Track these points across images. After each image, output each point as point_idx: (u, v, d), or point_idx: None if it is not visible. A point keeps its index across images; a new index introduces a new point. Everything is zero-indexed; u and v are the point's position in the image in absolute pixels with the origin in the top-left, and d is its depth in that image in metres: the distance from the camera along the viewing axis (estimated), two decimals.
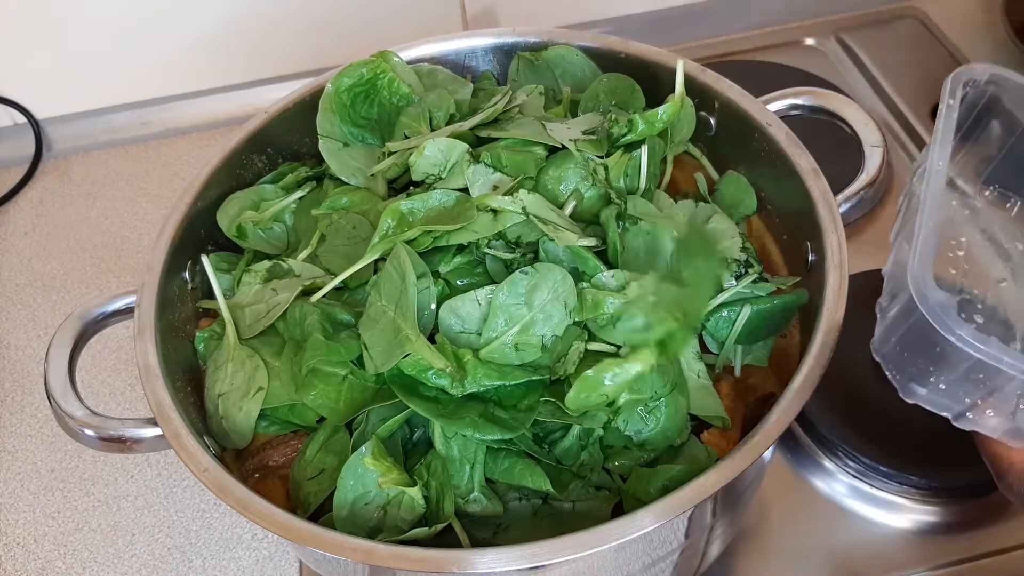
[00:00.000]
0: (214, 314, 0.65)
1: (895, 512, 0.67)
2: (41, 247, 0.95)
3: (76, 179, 1.01)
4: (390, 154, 0.64)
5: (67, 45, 0.98)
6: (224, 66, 1.03)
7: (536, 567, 0.46)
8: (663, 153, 0.65)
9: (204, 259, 0.63)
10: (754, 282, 0.58)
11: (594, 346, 0.54)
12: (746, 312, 0.57)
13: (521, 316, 0.54)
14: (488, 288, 0.56)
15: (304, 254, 0.63)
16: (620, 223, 0.57)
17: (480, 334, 0.55)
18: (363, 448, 0.52)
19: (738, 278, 0.58)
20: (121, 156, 1.03)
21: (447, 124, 0.65)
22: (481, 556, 0.47)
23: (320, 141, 0.67)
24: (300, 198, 0.68)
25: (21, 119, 1.03)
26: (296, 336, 0.58)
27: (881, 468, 0.67)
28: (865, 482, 0.68)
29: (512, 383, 0.53)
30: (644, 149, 0.61)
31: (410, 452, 0.55)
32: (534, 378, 0.53)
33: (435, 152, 0.61)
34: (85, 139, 1.05)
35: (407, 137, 0.65)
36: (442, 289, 0.57)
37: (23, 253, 0.95)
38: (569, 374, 0.53)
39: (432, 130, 0.65)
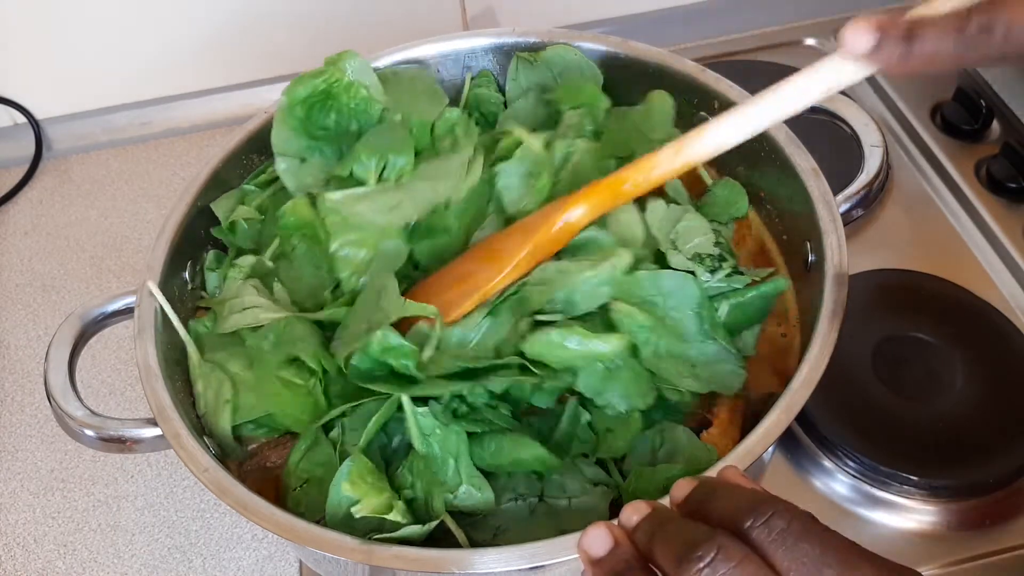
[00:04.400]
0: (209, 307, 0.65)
1: (895, 512, 0.67)
2: (41, 247, 0.95)
3: (76, 179, 1.01)
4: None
5: (67, 45, 0.98)
6: (224, 66, 1.03)
7: (536, 567, 0.46)
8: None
9: (152, 286, 0.62)
10: (728, 275, 0.59)
11: (542, 317, 0.56)
12: (724, 308, 0.58)
13: (474, 336, 0.57)
14: None
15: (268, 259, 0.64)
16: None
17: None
18: (343, 468, 0.52)
19: (712, 272, 0.58)
20: (121, 156, 1.03)
21: (398, 180, 0.63)
22: (481, 556, 0.47)
23: (276, 161, 0.65)
24: (267, 200, 0.68)
25: (21, 119, 1.03)
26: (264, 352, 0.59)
27: (881, 468, 0.67)
28: (865, 482, 0.68)
29: (475, 366, 0.54)
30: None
31: (390, 458, 0.55)
32: (497, 361, 0.54)
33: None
34: (85, 139, 1.04)
35: (353, 174, 0.63)
36: None
37: (23, 253, 0.95)
38: (517, 345, 0.54)
39: (380, 181, 0.63)
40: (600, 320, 0.56)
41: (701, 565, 0.33)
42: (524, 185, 0.63)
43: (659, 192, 0.67)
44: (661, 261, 0.60)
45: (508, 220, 0.63)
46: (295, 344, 0.57)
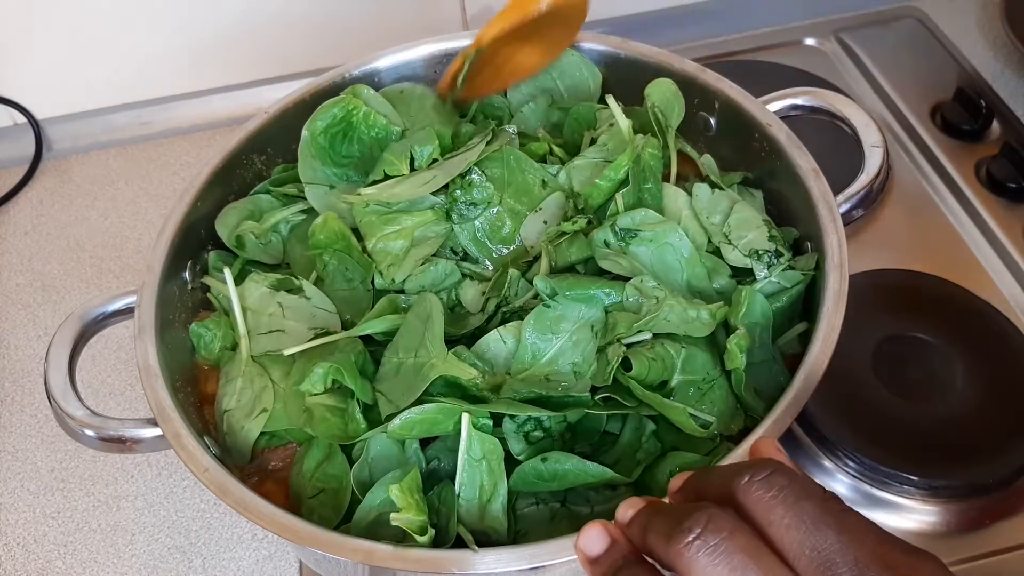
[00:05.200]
0: (212, 307, 0.65)
1: (895, 512, 0.67)
2: (41, 247, 0.95)
3: (76, 179, 1.01)
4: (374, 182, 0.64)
5: (67, 45, 0.98)
6: (224, 66, 1.03)
7: (536, 567, 0.46)
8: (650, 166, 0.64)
9: (227, 272, 0.62)
10: (783, 271, 0.58)
11: (630, 340, 0.54)
12: (783, 301, 0.58)
13: (548, 348, 0.55)
14: (513, 324, 0.56)
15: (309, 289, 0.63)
16: (618, 239, 0.58)
17: (509, 373, 0.55)
18: (392, 474, 0.52)
19: (769, 267, 0.58)
20: (121, 156, 1.03)
21: (429, 166, 0.64)
22: (481, 556, 0.47)
23: (306, 190, 0.66)
24: (293, 226, 0.67)
25: (21, 119, 1.03)
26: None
27: (881, 468, 0.67)
28: (865, 482, 0.68)
29: (551, 394, 0.53)
30: (619, 197, 0.61)
31: (429, 482, 0.54)
32: (572, 394, 0.53)
33: (439, 272, 0.61)
34: (85, 139, 1.04)
35: (387, 175, 0.64)
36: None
37: (23, 253, 0.95)
38: (611, 373, 0.53)
39: (412, 170, 0.64)
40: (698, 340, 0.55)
41: (690, 538, 0.32)
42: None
43: (699, 173, 0.67)
44: (716, 254, 0.60)
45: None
46: (334, 370, 0.55)
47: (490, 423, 0.52)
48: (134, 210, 0.98)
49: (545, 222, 0.63)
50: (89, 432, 0.58)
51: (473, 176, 0.63)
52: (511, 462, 0.52)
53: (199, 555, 0.72)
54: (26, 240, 0.96)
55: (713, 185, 0.63)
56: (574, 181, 0.64)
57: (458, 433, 0.52)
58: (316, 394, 0.55)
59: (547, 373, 0.54)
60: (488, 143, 0.64)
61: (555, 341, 0.55)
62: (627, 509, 0.38)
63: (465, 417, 0.51)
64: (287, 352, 0.58)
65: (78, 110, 1.04)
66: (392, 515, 0.49)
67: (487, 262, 0.63)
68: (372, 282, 0.62)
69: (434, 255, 0.63)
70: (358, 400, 0.55)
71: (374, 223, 0.62)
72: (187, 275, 0.65)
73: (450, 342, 0.55)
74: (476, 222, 0.63)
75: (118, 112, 1.04)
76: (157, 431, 0.56)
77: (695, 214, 0.62)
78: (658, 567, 0.36)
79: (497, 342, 0.56)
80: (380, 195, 0.62)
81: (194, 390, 0.62)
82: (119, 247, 0.94)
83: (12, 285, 0.92)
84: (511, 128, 0.67)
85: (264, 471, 0.58)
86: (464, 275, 0.62)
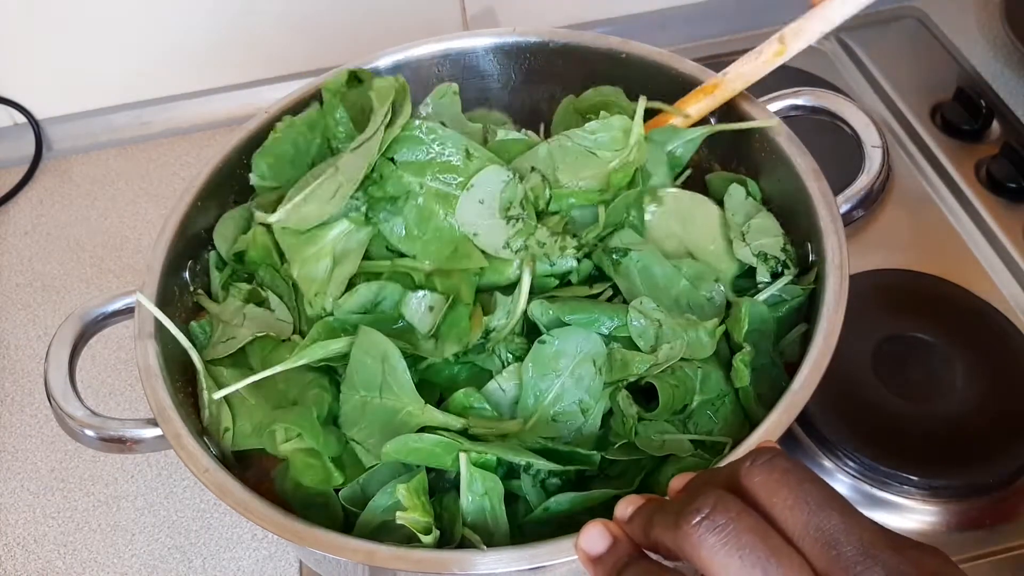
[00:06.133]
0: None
1: (895, 512, 0.67)
2: (41, 247, 0.95)
3: (76, 179, 1.01)
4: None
5: (67, 45, 0.98)
6: (224, 66, 1.03)
7: (537, 567, 0.46)
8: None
9: (142, 297, 0.59)
10: (786, 284, 0.59)
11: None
12: (782, 312, 0.58)
13: (551, 388, 0.53)
14: (510, 369, 0.54)
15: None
16: (611, 261, 0.58)
17: (514, 418, 0.54)
18: (402, 478, 0.52)
19: (773, 276, 0.58)
20: (121, 156, 1.03)
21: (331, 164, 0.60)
22: (482, 557, 0.47)
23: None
24: None
25: (21, 119, 1.03)
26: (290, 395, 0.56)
27: (881, 468, 0.67)
28: (865, 482, 0.68)
29: (557, 448, 0.52)
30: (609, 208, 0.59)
31: (433, 488, 0.54)
32: (579, 451, 0.52)
33: (362, 297, 0.58)
34: (85, 139, 1.04)
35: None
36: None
37: (23, 253, 0.95)
38: (632, 428, 0.52)
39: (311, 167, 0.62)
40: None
41: (698, 518, 0.33)
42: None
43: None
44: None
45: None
46: (294, 418, 0.53)
47: (493, 459, 0.51)
48: (134, 210, 0.98)
49: (481, 201, 0.58)
50: (89, 432, 0.57)
51: (383, 169, 0.57)
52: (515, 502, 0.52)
53: (199, 555, 0.72)
54: (26, 240, 0.96)
55: (748, 194, 0.64)
56: (558, 162, 0.60)
57: (457, 470, 0.50)
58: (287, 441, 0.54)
59: (554, 414, 0.53)
60: (388, 126, 0.58)
61: (556, 380, 0.53)
62: (627, 507, 0.38)
63: (463, 456, 0.50)
64: (216, 396, 0.56)
65: (78, 110, 1.04)
66: (398, 513, 0.49)
67: (425, 258, 0.58)
68: (298, 308, 0.60)
69: (365, 259, 0.59)
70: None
71: (294, 245, 0.60)
72: (187, 275, 0.65)
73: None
74: (400, 217, 0.58)
75: (118, 112, 1.04)
76: (157, 431, 0.56)
77: (721, 209, 0.62)
78: (663, 562, 0.36)
79: (496, 391, 0.54)
80: (288, 220, 0.60)
81: (194, 390, 0.61)
82: (119, 247, 0.94)
83: (12, 285, 0.92)
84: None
85: (263, 472, 0.58)
86: (398, 274, 0.58)
